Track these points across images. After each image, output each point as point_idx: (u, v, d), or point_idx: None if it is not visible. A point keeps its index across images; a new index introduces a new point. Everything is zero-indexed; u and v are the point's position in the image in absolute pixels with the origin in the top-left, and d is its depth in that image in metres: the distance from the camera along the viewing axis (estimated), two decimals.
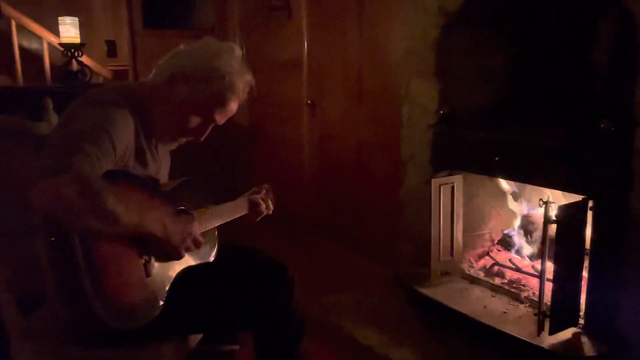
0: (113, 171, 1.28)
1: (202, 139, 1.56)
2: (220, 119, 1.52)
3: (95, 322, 1.20)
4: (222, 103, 1.49)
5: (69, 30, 3.89)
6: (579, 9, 1.82)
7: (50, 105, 2.92)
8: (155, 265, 1.37)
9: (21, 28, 3.97)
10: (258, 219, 1.82)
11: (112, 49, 4.38)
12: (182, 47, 1.53)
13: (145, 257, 1.34)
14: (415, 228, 2.53)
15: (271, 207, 1.83)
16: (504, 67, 2.08)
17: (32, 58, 4.15)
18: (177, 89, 1.46)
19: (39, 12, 4.11)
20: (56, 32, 3.97)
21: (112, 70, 4.35)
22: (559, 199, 1.99)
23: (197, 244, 1.43)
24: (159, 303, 1.34)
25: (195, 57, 1.49)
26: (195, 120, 1.49)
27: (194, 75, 1.45)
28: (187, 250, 1.41)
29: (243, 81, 1.50)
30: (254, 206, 1.78)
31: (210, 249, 1.62)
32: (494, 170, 2.16)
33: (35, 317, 1.51)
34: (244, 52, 4.32)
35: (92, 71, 4.09)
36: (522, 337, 1.88)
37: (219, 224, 1.65)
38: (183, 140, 1.58)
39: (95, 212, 1.15)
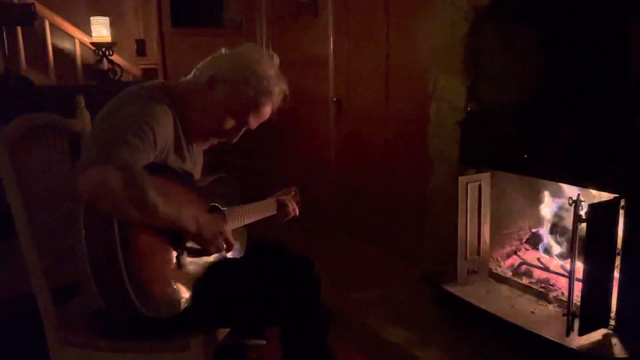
0: (154, 164, 1.33)
1: (234, 141, 1.61)
2: (254, 122, 1.57)
3: (129, 309, 1.22)
4: (257, 107, 1.53)
5: (100, 29, 3.97)
6: (613, 2, 1.78)
7: (82, 103, 2.99)
8: (187, 259, 1.40)
9: (54, 27, 4.05)
10: (285, 220, 1.87)
11: (142, 48, 4.45)
12: (223, 50, 1.59)
13: (178, 250, 1.37)
14: (442, 226, 2.51)
15: (297, 210, 1.87)
16: (534, 62, 2.04)
17: (64, 57, 4.24)
18: (216, 90, 1.50)
19: (72, 12, 4.19)
20: (88, 32, 4.06)
21: (141, 68, 4.41)
22: (589, 197, 1.95)
23: (229, 245, 1.46)
24: (188, 295, 1.36)
25: (236, 61, 1.53)
26: (229, 122, 1.54)
27: (234, 79, 1.50)
28: (218, 250, 1.43)
29: (279, 88, 1.55)
30: (282, 207, 1.84)
31: (240, 245, 1.64)
32: (522, 168, 2.13)
33: (69, 307, 1.56)
34: (271, 49, 4.37)
35: (122, 69, 4.16)
36: (550, 338, 1.86)
37: (248, 223, 1.69)
38: (216, 141, 1.64)
39: (137, 202, 1.19)
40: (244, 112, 1.53)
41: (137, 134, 1.27)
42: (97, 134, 1.33)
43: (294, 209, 1.86)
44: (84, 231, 1.21)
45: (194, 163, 1.61)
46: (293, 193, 1.91)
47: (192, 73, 1.58)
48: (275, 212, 1.83)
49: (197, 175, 1.66)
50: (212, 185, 1.59)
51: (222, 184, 1.63)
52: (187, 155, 1.54)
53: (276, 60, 1.59)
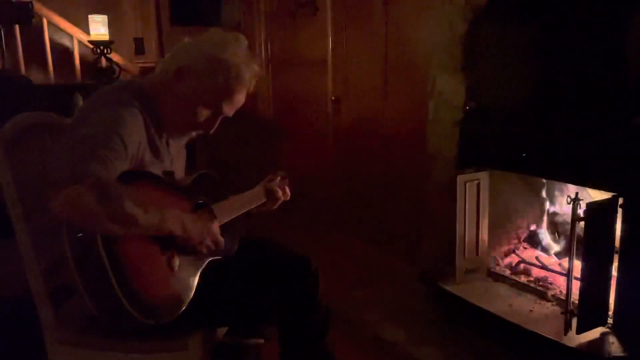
0: (130, 171, 1.28)
1: (212, 131, 1.55)
2: (229, 110, 1.52)
3: (123, 317, 1.21)
4: (230, 94, 1.48)
5: (99, 28, 3.96)
6: (611, 1, 1.78)
7: (80, 102, 3.00)
8: (179, 262, 1.38)
9: (52, 26, 4.05)
10: (276, 206, 1.82)
11: (140, 46, 4.44)
12: (186, 40, 1.53)
13: (168, 253, 1.35)
14: (440, 225, 2.51)
15: (288, 193, 1.82)
16: (533, 61, 2.04)
17: (62, 55, 4.23)
18: (185, 82, 1.46)
19: (70, 10, 4.18)
20: (86, 30, 4.05)
21: (140, 67, 4.41)
22: (586, 196, 1.95)
23: (217, 244, 1.43)
24: (184, 299, 1.35)
25: (200, 49, 1.48)
26: (204, 113, 1.49)
27: (200, 68, 1.45)
28: (207, 249, 1.41)
29: (250, 71, 1.49)
30: (271, 194, 1.78)
31: (233, 242, 1.62)
32: (521, 167, 2.13)
33: (67, 308, 1.55)
34: (270, 47, 4.36)
35: (120, 68, 4.16)
36: (548, 336, 1.86)
37: (239, 214, 1.65)
38: (193, 133, 1.59)
39: (115, 217, 1.16)
40: (216, 101, 1.48)
41: (107, 145, 1.24)
42: (67, 149, 1.29)
43: (284, 194, 1.80)
44: (68, 238, 1.20)
45: (172, 160, 1.56)
46: (280, 177, 1.84)
47: (159, 66, 1.53)
48: (264, 200, 1.77)
49: (179, 171, 1.62)
50: (195, 183, 1.55)
51: (205, 181, 1.59)
52: (164, 153, 1.50)
53: (243, 42, 1.51)
